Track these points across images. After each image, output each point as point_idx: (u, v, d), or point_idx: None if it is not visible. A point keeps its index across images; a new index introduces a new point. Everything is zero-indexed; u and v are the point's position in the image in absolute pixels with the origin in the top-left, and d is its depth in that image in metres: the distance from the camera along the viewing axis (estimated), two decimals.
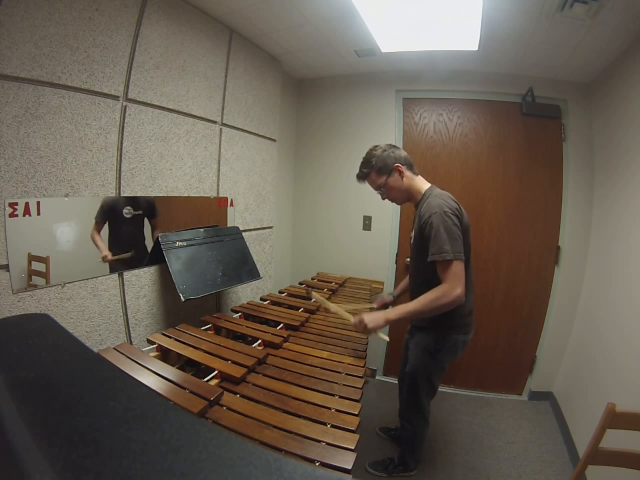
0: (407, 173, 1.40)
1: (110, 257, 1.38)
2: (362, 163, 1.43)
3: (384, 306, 1.71)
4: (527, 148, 2.31)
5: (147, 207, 1.52)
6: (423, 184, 1.43)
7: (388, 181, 1.39)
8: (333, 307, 1.59)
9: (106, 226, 1.36)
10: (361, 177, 1.44)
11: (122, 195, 1.40)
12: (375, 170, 1.39)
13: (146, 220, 1.53)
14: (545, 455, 1.90)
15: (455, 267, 1.21)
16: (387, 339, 1.37)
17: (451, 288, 1.20)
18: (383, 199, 1.47)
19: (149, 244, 1.55)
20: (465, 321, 1.43)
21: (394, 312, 1.30)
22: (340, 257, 2.73)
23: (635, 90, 1.69)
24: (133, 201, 1.45)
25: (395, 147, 1.42)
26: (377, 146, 1.42)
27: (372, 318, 1.29)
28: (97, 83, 1.26)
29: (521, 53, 1.94)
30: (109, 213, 1.37)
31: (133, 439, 0.31)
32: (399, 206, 2.52)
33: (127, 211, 1.43)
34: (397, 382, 1.85)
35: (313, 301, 1.85)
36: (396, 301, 1.71)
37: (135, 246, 1.50)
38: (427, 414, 1.56)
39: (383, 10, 1.63)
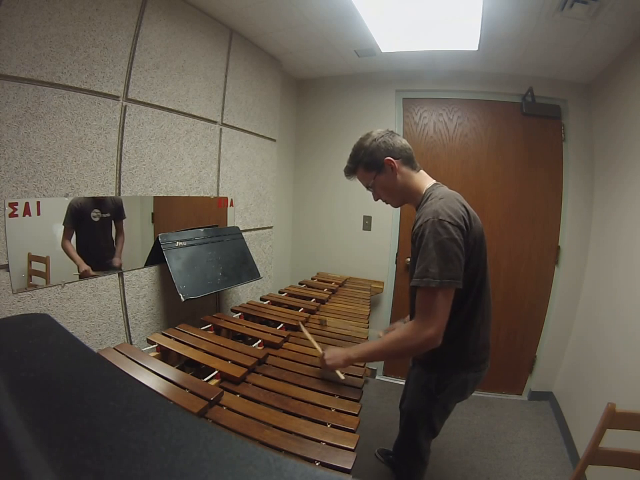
0: (403, 169, 1.12)
1: (91, 272, 1.27)
2: (350, 155, 1.17)
3: None
4: (527, 148, 2.31)
5: (115, 209, 1.38)
6: (423, 181, 1.15)
7: (377, 178, 1.12)
8: (308, 336, 1.33)
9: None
10: (347, 172, 1.18)
11: (121, 195, 1.40)
12: (363, 165, 1.13)
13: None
14: (545, 455, 1.90)
15: (437, 299, 0.93)
16: (343, 377, 1.09)
17: (422, 327, 0.94)
18: (375, 200, 1.22)
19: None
20: (478, 357, 1.15)
21: (356, 350, 1.08)
22: (340, 256, 2.73)
23: (635, 92, 1.69)
24: (101, 203, 1.32)
25: (390, 134, 1.13)
26: (368, 134, 1.14)
27: (332, 354, 1.10)
28: (97, 83, 1.26)
29: (521, 52, 1.94)
30: (78, 217, 1.25)
31: (133, 439, 0.31)
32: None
33: (95, 214, 1.30)
34: (396, 382, 1.80)
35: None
36: None
37: (104, 253, 1.39)
38: (425, 455, 1.30)
39: (382, 10, 1.63)
